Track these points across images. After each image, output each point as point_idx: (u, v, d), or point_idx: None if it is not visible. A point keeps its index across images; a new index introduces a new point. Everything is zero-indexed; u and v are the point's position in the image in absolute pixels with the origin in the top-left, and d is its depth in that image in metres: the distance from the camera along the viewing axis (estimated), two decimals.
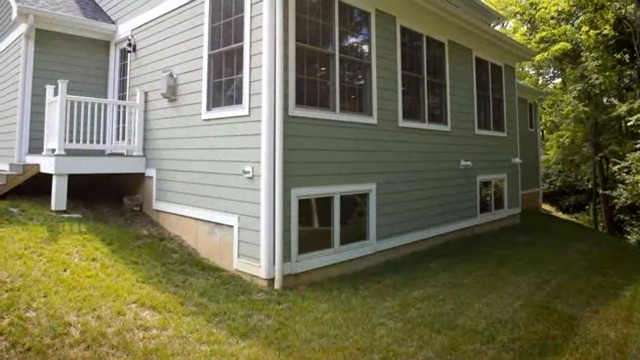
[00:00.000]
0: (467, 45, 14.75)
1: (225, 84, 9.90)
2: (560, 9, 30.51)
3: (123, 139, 12.77)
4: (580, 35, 28.96)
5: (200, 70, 10.38)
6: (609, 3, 28.64)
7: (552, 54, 30.10)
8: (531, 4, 33.53)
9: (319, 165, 9.50)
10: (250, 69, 9.00)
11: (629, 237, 28.18)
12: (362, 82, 10.91)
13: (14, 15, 12.60)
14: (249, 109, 8.97)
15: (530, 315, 7.69)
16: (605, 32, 28.16)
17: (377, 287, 8.98)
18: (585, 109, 28.50)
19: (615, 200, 27.88)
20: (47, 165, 11.10)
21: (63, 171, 10.80)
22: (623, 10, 28.62)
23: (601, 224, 31.64)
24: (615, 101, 30.03)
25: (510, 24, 38.03)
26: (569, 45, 29.55)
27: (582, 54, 29.48)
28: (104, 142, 12.47)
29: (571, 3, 30.18)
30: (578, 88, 28.94)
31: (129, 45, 13.03)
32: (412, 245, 11.94)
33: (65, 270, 7.72)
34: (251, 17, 9.08)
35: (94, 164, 11.66)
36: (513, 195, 17.52)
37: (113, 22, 14.16)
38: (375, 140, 10.94)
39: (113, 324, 6.21)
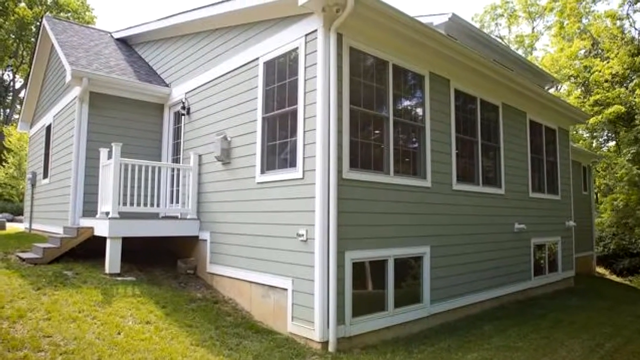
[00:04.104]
0: (521, 108, 14.70)
1: (279, 147, 9.94)
2: (614, 72, 30.39)
3: (177, 202, 12.86)
4: (634, 98, 28.70)
5: (254, 133, 10.46)
6: None
7: (606, 117, 29.88)
8: (585, 67, 33.48)
9: (373, 228, 9.40)
10: (304, 132, 9.02)
11: None
12: (415, 144, 10.86)
13: (68, 78, 12.87)
14: (303, 172, 8.95)
15: None
16: None
17: (431, 350, 8.83)
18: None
19: None
20: (101, 228, 11.20)
21: (117, 234, 10.87)
22: None
23: None
24: None
25: (565, 87, 37.95)
26: (623, 108, 29.32)
27: (636, 116, 29.16)
28: (158, 205, 12.60)
29: (625, 66, 30.01)
30: (632, 151, 28.48)
31: (183, 108, 13.24)
32: (465, 308, 11.71)
33: (119, 333, 7.68)
34: (305, 80, 9.14)
35: (148, 227, 11.68)
36: (567, 258, 17.18)
37: (167, 85, 14.43)
38: (429, 203, 10.84)
39: None
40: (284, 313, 9.16)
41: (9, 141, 35.05)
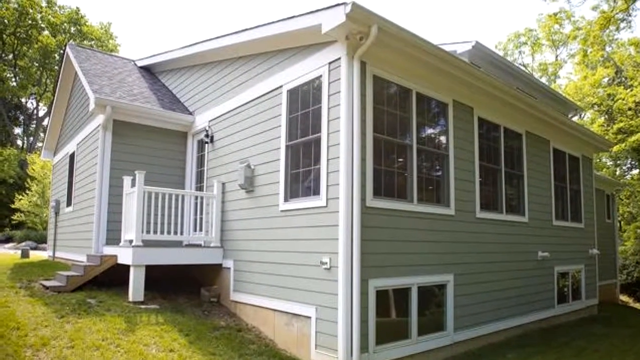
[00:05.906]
0: (544, 136, 14.68)
1: (302, 174, 9.94)
2: (637, 100, 30.26)
3: (200, 230, 12.85)
4: None
5: (277, 161, 10.48)
6: None
7: (629, 145, 29.75)
8: (609, 95, 33.42)
9: (397, 256, 9.35)
10: (328, 160, 9.02)
11: None
12: (439, 172, 10.84)
13: (92, 106, 12.97)
14: (327, 200, 8.94)
15: None
16: None
17: None
18: None
19: None
20: (124, 256, 11.22)
21: (140, 262, 10.87)
22: None
23: None
24: None
25: (588, 115, 37.85)
26: None
27: None
28: (182, 233, 12.60)
29: None
30: None
31: (207, 136, 13.29)
32: (489, 336, 11.63)
33: None
34: (329, 109, 9.15)
35: (172, 255, 11.66)
36: (590, 286, 17.05)
37: (190, 113, 14.52)
38: (452, 231, 10.78)
39: None
40: (308, 341, 9.10)
41: (33, 169, 35.31)
